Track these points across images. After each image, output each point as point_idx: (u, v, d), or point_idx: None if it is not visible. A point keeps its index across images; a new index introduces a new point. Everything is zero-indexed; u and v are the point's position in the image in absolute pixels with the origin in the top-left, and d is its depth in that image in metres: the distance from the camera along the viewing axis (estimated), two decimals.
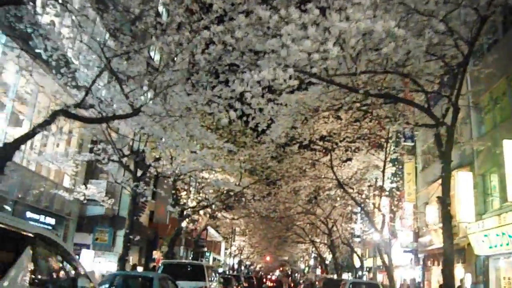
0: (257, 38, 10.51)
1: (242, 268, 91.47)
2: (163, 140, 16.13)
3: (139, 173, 19.86)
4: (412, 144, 34.16)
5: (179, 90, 14.24)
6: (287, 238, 55.13)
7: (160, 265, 21.42)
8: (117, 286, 14.05)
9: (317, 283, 34.61)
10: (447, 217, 14.14)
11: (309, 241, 52.65)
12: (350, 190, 30.21)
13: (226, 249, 73.95)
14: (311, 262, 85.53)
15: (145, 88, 13.91)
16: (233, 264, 77.83)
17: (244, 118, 25.59)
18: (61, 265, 6.52)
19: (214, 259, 66.36)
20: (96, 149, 19.23)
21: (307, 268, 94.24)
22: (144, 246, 36.03)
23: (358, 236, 45.43)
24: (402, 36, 9.77)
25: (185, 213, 27.59)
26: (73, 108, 10.97)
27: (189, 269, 21.34)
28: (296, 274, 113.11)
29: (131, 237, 18.58)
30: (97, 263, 26.22)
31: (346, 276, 48.78)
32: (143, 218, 34.43)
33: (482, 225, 22.80)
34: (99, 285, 14.20)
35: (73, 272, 6.79)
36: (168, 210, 24.39)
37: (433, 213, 30.19)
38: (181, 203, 26.96)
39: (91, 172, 28.03)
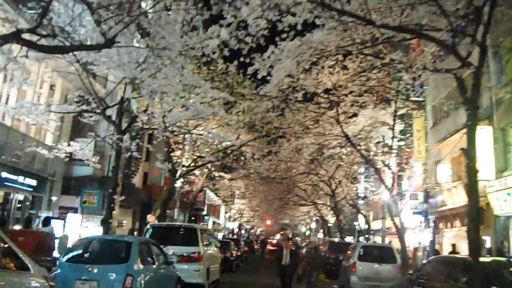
0: None
1: (243, 232, 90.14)
2: (148, 84, 13.82)
3: (125, 125, 17.61)
4: (422, 99, 32.02)
5: (166, 24, 12.05)
6: (288, 201, 53.23)
7: (148, 227, 19.22)
8: (91, 252, 11.88)
9: (321, 246, 32.65)
10: (472, 171, 12.30)
11: (311, 203, 50.64)
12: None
13: (225, 212, 72.30)
14: (313, 225, 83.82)
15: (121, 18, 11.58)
16: (233, 228, 76.41)
17: (242, 70, 23.72)
18: None
19: (214, 222, 65.19)
20: (75, 99, 17.08)
21: (308, 232, 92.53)
22: (138, 209, 34.27)
23: (364, 197, 43.43)
24: None
25: (179, 173, 25.44)
26: (27, 32, 8.77)
27: (180, 232, 19.12)
28: (297, 238, 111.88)
29: (115, 197, 16.46)
30: (84, 227, 24.39)
31: (349, 239, 47.02)
32: (136, 180, 32.54)
33: (504, 183, 20.77)
34: (70, 250, 12.19)
35: None
36: (158, 166, 21.88)
37: (445, 171, 28.22)
38: (175, 161, 24.81)
39: (78, 130, 26.02)
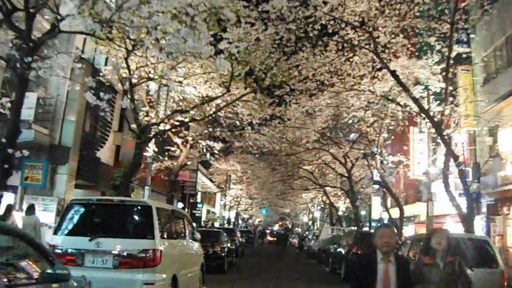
0: None
1: (240, 221, 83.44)
2: None
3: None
4: (468, 50, 24.75)
5: None
6: (292, 184, 47.01)
7: (68, 204, 10.76)
8: None
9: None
10: None
11: (319, 187, 43.53)
12: (392, 105, 21.37)
13: (221, 200, 65.70)
14: (316, 214, 76.45)
15: None
16: (229, 217, 69.95)
17: None
18: None
19: (208, 211, 59.59)
20: None
21: (310, 222, 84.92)
22: (108, 191, 27.26)
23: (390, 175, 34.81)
24: None
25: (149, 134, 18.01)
26: None
27: (123, 214, 10.34)
28: (297, 229, 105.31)
29: (10, 151, 9.30)
30: (19, 212, 17.75)
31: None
32: (104, 154, 25.34)
33: None
34: None
35: None
36: (89, 101, 13.13)
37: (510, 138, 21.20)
38: (141, 118, 17.56)
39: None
